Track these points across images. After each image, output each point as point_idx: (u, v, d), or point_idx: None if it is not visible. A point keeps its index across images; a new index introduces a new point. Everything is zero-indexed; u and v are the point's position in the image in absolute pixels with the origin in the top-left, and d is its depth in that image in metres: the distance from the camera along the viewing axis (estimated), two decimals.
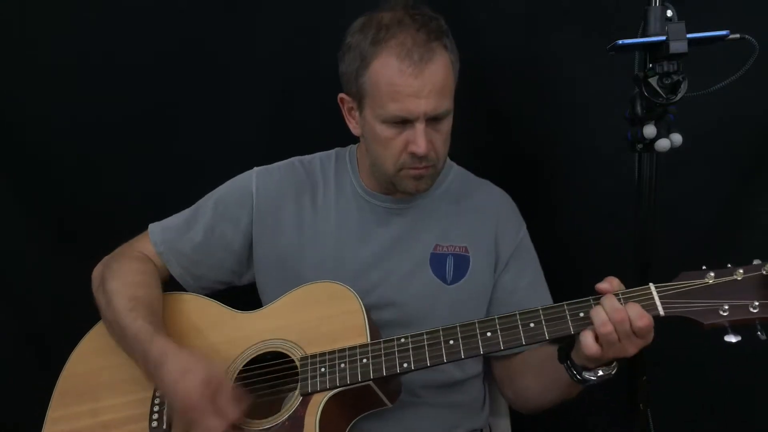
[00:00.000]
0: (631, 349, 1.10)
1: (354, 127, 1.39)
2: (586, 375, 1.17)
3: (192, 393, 1.17)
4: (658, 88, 1.10)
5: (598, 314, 1.10)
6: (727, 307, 1.07)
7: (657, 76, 1.09)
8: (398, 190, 1.38)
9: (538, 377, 1.35)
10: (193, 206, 1.49)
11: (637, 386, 1.26)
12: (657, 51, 1.09)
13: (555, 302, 1.43)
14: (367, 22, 1.30)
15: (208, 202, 1.47)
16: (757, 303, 1.06)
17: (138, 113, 1.77)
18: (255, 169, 1.49)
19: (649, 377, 1.23)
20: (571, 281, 1.64)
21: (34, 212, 1.85)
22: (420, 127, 1.26)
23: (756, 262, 1.10)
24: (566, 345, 1.19)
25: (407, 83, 1.24)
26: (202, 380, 1.18)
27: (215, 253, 1.45)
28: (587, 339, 1.10)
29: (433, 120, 1.28)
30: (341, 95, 1.38)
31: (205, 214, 1.46)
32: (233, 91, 1.78)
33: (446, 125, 1.31)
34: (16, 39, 1.74)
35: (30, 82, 1.77)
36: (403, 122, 1.27)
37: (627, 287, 1.15)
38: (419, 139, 1.26)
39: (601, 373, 1.16)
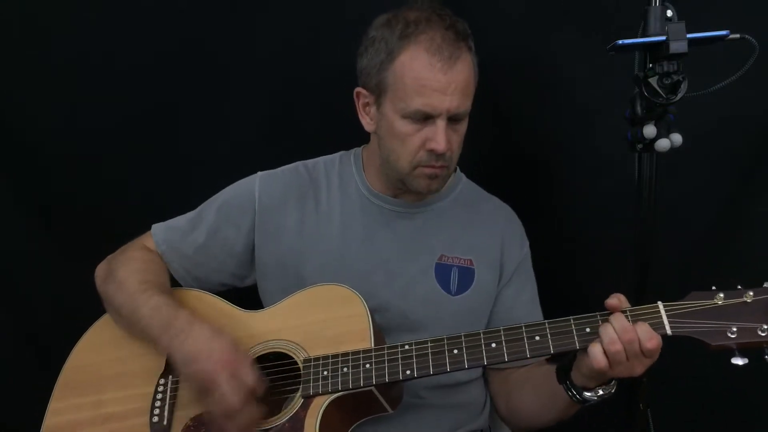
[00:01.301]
0: (639, 368, 1.10)
1: (368, 123, 1.39)
2: (587, 395, 1.17)
3: (227, 349, 1.20)
4: (658, 88, 1.09)
5: (607, 333, 1.09)
6: (735, 329, 1.06)
7: (657, 76, 1.09)
8: (410, 189, 1.37)
9: (535, 396, 1.35)
10: (197, 209, 1.49)
11: (637, 386, 1.26)
12: (657, 51, 1.09)
13: (554, 307, 1.45)
14: (393, 18, 1.30)
15: (212, 205, 1.47)
16: (765, 326, 1.06)
17: (138, 113, 1.77)
18: (259, 173, 1.49)
19: (649, 378, 1.23)
20: (570, 281, 1.65)
21: (34, 212, 1.85)
22: (441, 124, 1.27)
23: (767, 284, 1.10)
24: (565, 364, 1.19)
25: (435, 78, 1.24)
26: (233, 342, 1.23)
27: (217, 256, 1.45)
28: (596, 351, 1.09)
29: (453, 119, 1.28)
30: (358, 89, 1.38)
31: (208, 216, 1.46)
32: (233, 92, 1.78)
33: (463, 127, 1.32)
34: (16, 39, 1.74)
35: (30, 82, 1.77)
36: (425, 118, 1.27)
37: (627, 287, 1.15)
38: (439, 137, 1.27)
39: (601, 392, 1.16)
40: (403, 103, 1.27)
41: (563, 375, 1.19)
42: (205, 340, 1.22)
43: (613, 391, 1.17)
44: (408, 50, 1.26)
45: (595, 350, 1.09)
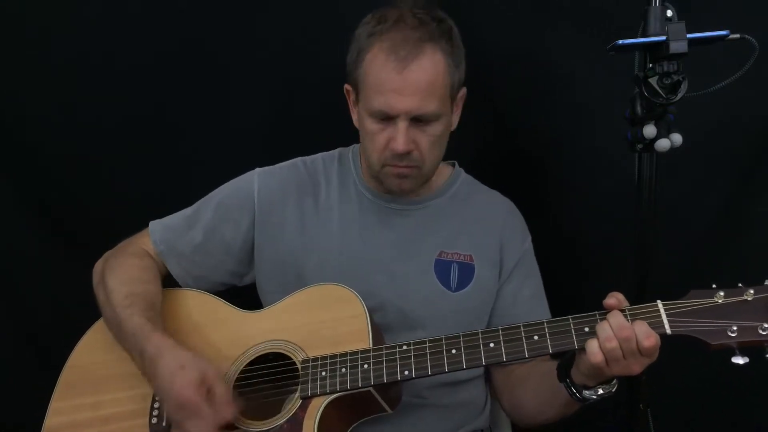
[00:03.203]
0: (636, 367, 1.09)
1: (355, 120, 1.39)
2: (586, 393, 1.17)
3: (186, 388, 1.15)
4: (658, 88, 1.09)
5: (603, 329, 1.09)
6: (735, 328, 1.05)
7: (657, 76, 1.09)
8: (384, 187, 1.38)
9: (536, 393, 1.34)
10: (195, 205, 1.48)
11: (637, 386, 1.26)
12: (657, 51, 1.09)
13: (554, 307, 1.45)
14: (373, 16, 1.31)
15: (210, 202, 1.46)
16: (766, 325, 1.05)
17: (138, 113, 1.77)
18: (257, 170, 1.48)
19: (649, 377, 1.23)
20: (570, 281, 1.65)
21: (34, 212, 1.85)
22: (402, 125, 1.26)
23: None
24: (565, 363, 1.19)
25: (390, 78, 1.24)
26: (197, 377, 1.16)
27: (215, 255, 1.45)
28: (592, 346, 1.09)
29: (418, 120, 1.27)
30: (346, 86, 1.38)
31: (205, 214, 1.45)
32: (233, 91, 1.78)
33: (436, 128, 1.30)
34: (16, 39, 1.74)
35: (30, 82, 1.77)
36: (387, 118, 1.27)
37: (626, 287, 1.15)
38: (398, 137, 1.26)
39: (601, 391, 1.16)
40: (368, 101, 1.28)
41: (563, 373, 1.19)
42: (168, 377, 1.18)
43: (613, 390, 1.16)
44: (372, 49, 1.26)
45: (592, 345, 1.09)
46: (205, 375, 1.18)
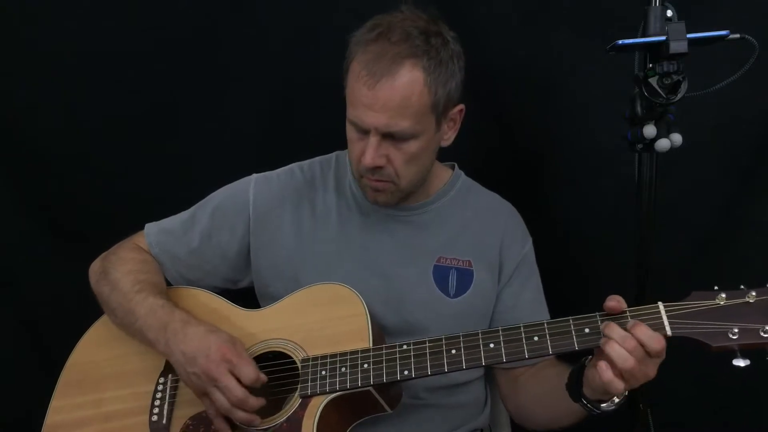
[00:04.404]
0: (652, 371, 1.08)
1: None
2: (604, 407, 1.16)
3: (224, 344, 1.22)
4: (658, 88, 1.09)
5: (616, 352, 1.06)
6: (736, 331, 1.04)
7: (657, 76, 1.09)
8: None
9: (551, 409, 1.33)
10: (191, 210, 1.48)
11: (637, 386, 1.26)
12: (657, 51, 1.09)
13: (554, 307, 1.44)
14: (370, 22, 1.28)
15: (206, 207, 1.46)
16: None
17: (138, 114, 1.77)
18: (254, 176, 1.48)
19: None
20: (570, 281, 1.65)
21: (34, 212, 1.85)
22: (373, 139, 1.25)
23: None
24: (574, 385, 1.18)
25: (362, 92, 1.22)
26: (229, 337, 1.24)
27: (211, 260, 1.44)
28: (617, 385, 1.07)
29: (391, 137, 1.25)
30: None
31: (202, 219, 1.45)
32: (233, 92, 1.78)
33: (411, 146, 1.27)
34: (16, 39, 1.74)
35: (30, 82, 1.77)
36: (363, 130, 1.26)
37: (626, 287, 1.15)
38: (367, 151, 1.25)
39: (617, 399, 1.15)
40: (348, 109, 1.28)
41: (577, 395, 1.18)
42: (200, 338, 1.23)
43: (627, 394, 1.15)
44: (355, 59, 1.25)
45: (615, 384, 1.06)
46: (234, 339, 1.25)
